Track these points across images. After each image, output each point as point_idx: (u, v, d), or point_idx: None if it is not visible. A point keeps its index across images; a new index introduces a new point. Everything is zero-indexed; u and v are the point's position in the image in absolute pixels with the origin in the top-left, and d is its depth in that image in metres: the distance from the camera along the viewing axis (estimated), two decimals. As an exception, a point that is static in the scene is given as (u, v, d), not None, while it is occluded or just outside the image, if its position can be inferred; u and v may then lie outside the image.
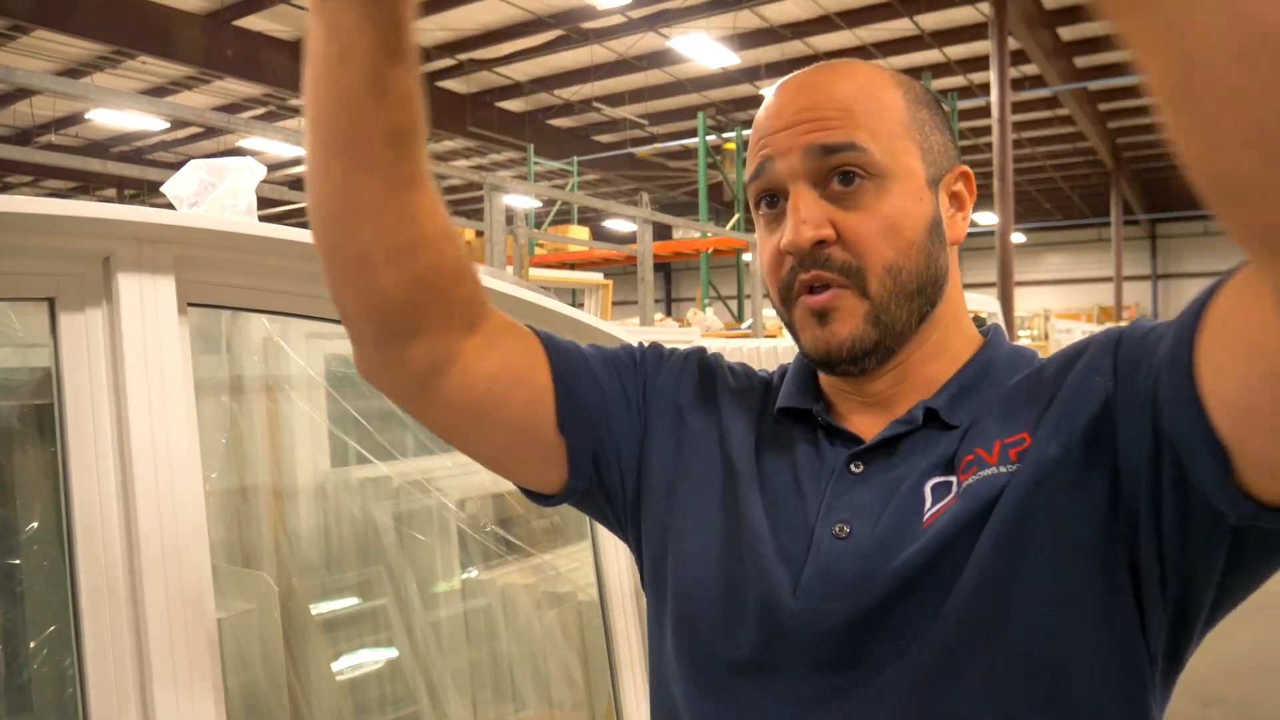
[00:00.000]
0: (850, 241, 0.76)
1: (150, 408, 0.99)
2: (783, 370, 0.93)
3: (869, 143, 0.76)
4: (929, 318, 0.81)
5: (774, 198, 0.80)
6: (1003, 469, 0.71)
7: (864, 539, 0.74)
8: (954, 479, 0.74)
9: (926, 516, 0.73)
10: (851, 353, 0.77)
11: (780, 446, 0.84)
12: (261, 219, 1.22)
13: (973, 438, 0.75)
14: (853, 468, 0.78)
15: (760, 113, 0.82)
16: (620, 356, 0.92)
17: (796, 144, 0.77)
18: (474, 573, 1.97)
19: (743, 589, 0.77)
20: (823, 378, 0.87)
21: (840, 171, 0.76)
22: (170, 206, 1.29)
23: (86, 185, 20.88)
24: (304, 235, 1.13)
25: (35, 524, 1.07)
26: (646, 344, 0.96)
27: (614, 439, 0.87)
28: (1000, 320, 7.77)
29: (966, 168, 0.84)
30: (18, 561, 1.09)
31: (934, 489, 0.74)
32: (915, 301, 0.78)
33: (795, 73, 0.83)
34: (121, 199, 20.07)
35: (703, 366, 0.93)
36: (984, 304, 7.69)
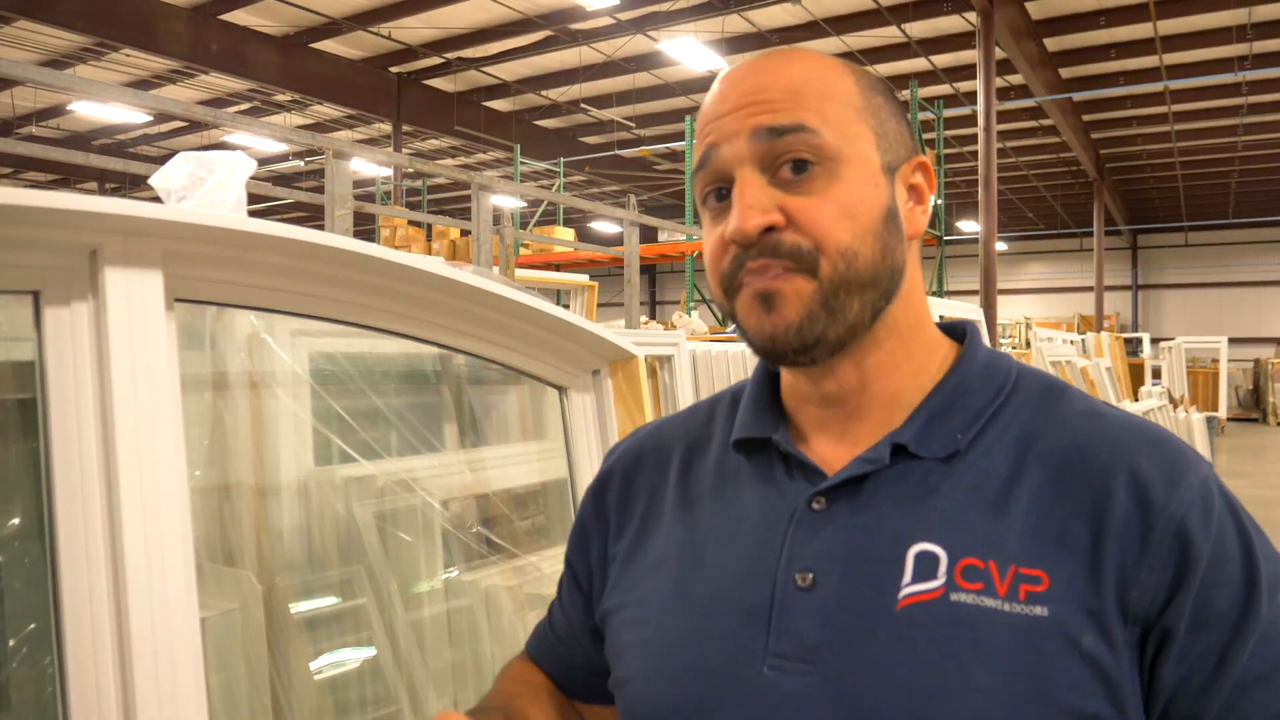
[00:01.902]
0: (802, 225, 0.71)
1: (135, 404, 0.98)
2: (737, 390, 0.88)
3: (819, 124, 0.72)
4: (883, 316, 0.75)
5: (722, 191, 0.75)
6: (1007, 607, 0.66)
7: (829, 593, 0.70)
8: (943, 557, 0.68)
9: (902, 595, 0.68)
10: (801, 338, 0.72)
11: (734, 487, 0.80)
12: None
13: (981, 526, 0.69)
14: (814, 506, 0.74)
15: (706, 100, 0.77)
16: (570, 560, 0.94)
17: (742, 127, 0.73)
18: (456, 573, 1.96)
19: (706, 669, 0.74)
20: (784, 385, 0.82)
21: (791, 159, 0.72)
22: (157, 199, 1.28)
23: (67, 178, 20.70)
24: (293, 231, 1.12)
25: (16, 520, 1.06)
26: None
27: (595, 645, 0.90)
28: (984, 328, 7.81)
29: (925, 159, 0.79)
30: (-2, 558, 1.07)
31: (917, 559, 0.69)
32: (868, 293, 0.73)
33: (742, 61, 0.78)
34: (103, 192, 19.92)
35: (615, 470, 0.91)
36: (967, 311, 7.72)
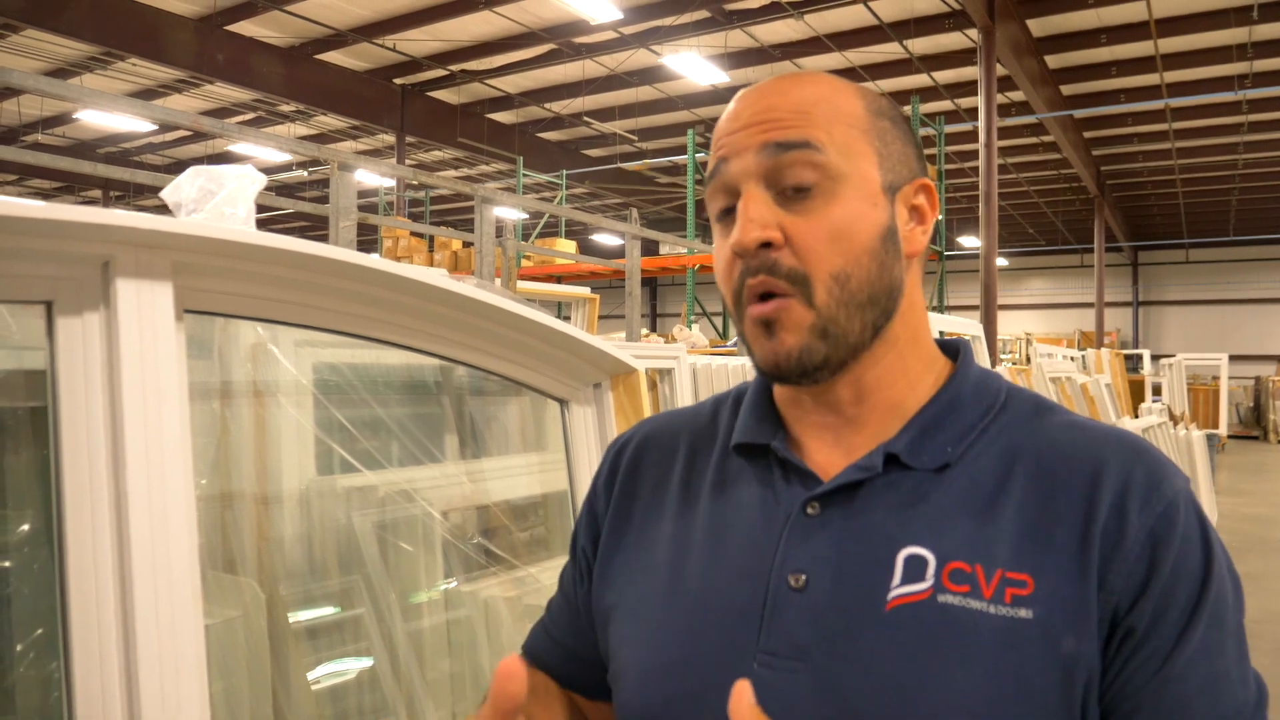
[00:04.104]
0: (798, 247, 0.74)
1: (145, 413, 0.99)
2: (739, 391, 0.91)
3: (825, 142, 0.75)
4: (884, 333, 0.78)
5: (731, 208, 0.78)
6: (993, 609, 0.68)
7: (820, 594, 0.72)
8: (931, 560, 0.71)
9: (892, 596, 0.70)
10: (801, 365, 0.75)
11: (733, 489, 0.82)
12: (258, 227, 1.22)
13: (969, 531, 0.72)
14: (809, 510, 0.76)
15: (720, 119, 0.81)
16: (582, 548, 0.95)
17: (751, 143, 0.76)
18: (455, 583, 1.97)
19: (698, 664, 0.76)
20: (778, 394, 0.85)
21: (795, 182, 0.75)
22: (162, 209, 1.30)
23: (72, 186, 20.77)
24: (301, 245, 1.14)
25: (26, 526, 1.07)
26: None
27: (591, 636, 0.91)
28: (983, 344, 7.84)
29: (929, 180, 0.82)
30: (7, 564, 1.09)
31: (907, 562, 0.71)
32: (868, 313, 0.76)
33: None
34: (107, 201, 19.99)
35: (619, 464, 0.93)
36: (967, 326, 7.75)
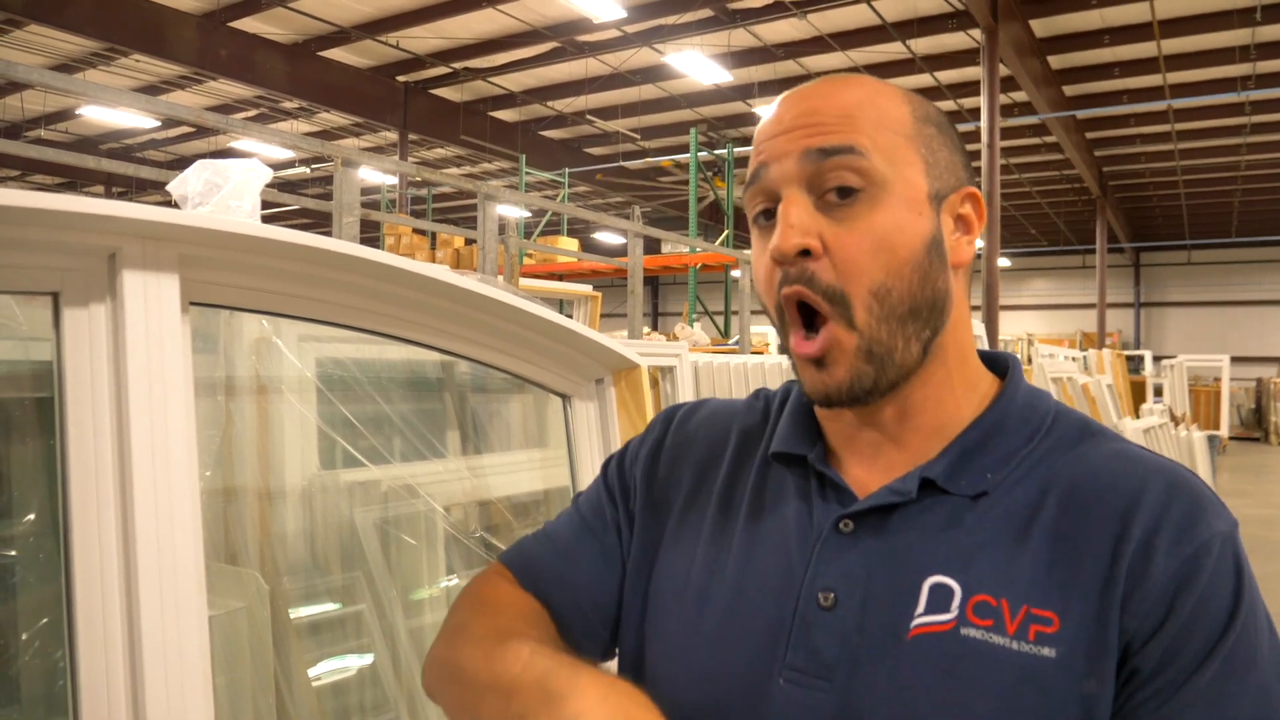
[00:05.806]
0: (838, 260, 0.72)
1: (150, 405, 1.00)
2: (786, 391, 0.89)
3: (869, 148, 0.73)
4: (933, 349, 0.76)
5: (770, 211, 0.77)
6: (1015, 645, 0.67)
7: (848, 614, 0.72)
8: (957, 590, 0.70)
9: (914, 625, 0.70)
10: (852, 393, 0.74)
11: (771, 497, 0.82)
12: (263, 221, 1.23)
13: (997, 563, 0.70)
14: (841, 527, 0.75)
15: (762, 122, 0.79)
16: (593, 502, 0.92)
17: (794, 148, 0.75)
18: (457, 579, 1.97)
19: (725, 674, 0.76)
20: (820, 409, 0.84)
21: (837, 185, 0.73)
22: (166, 203, 1.30)
23: (74, 181, 20.77)
24: (306, 238, 1.15)
25: (32, 516, 1.08)
26: (616, 458, 0.94)
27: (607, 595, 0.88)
28: (985, 345, 7.84)
29: (976, 190, 0.80)
30: (13, 553, 1.09)
31: (932, 590, 0.70)
32: (910, 326, 0.74)
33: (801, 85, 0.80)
34: (110, 196, 19.94)
35: (666, 434, 0.92)
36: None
